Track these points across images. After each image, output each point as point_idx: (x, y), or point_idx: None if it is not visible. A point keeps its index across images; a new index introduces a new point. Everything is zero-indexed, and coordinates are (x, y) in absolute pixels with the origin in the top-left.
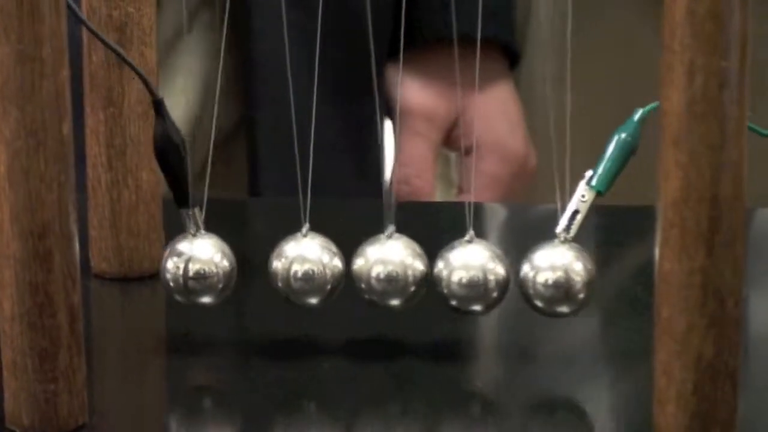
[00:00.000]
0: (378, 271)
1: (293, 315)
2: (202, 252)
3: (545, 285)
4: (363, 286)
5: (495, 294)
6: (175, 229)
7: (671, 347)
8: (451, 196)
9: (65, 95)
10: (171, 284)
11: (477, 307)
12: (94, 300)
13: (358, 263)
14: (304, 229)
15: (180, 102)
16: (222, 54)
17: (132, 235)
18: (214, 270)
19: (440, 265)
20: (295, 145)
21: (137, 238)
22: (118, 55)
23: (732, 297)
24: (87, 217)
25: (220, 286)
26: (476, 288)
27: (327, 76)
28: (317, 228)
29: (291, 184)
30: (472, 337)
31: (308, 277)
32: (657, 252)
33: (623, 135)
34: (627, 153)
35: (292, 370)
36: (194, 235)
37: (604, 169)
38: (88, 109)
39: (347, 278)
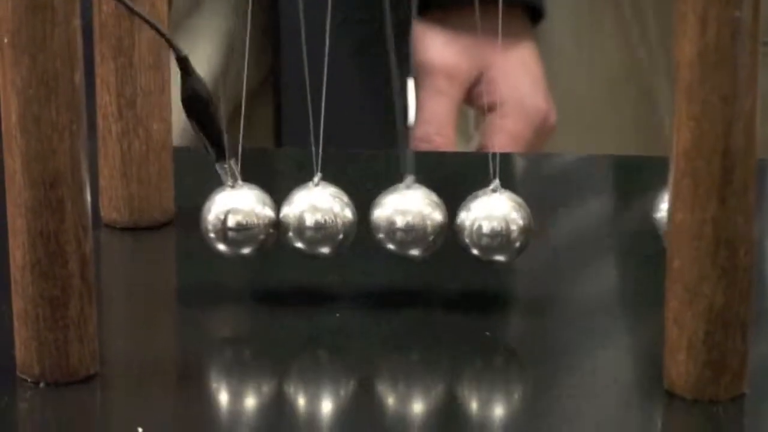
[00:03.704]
0: (397, 220)
1: (307, 265)
2: (244, 203)
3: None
4: (381, 235)
5: (518, 244)
6: (185, 179)
7: (683, 297)
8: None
9: (77, 44)
10: (212, 236)
11: (500, 257)
12: (105, 249)
13: (376, 213)
14: (316, 179)
15: (202, 62)
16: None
17: (142, 185)
18: (256, 221)
19: (463, 215)
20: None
21: (148, 188)
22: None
23: (743, 246)
24: (97, 167)
25: (262, 237)
26: (498, 237)
27: (353, 32)
28: (332, 178)
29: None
30: (492, 288)
31: (320, 226)
32: (669, 202)
33: None
34: None
35: (306, 319)
36: (233, 187)
37: None
38: (98, 59)
39: (364, 229)
